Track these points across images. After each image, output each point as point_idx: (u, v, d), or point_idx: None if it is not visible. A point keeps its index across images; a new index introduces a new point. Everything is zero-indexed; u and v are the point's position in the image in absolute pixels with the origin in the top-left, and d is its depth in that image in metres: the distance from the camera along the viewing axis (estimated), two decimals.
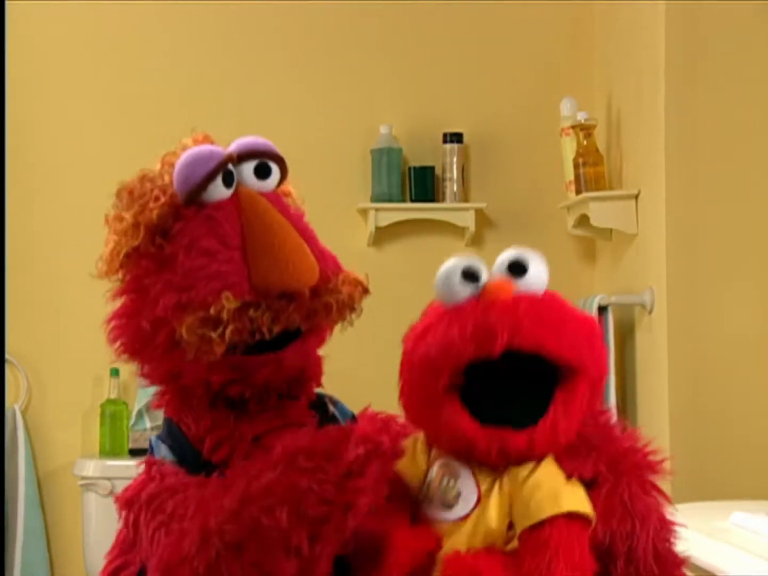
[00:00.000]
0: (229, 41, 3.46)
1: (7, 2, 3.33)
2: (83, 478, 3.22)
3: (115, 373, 3.32)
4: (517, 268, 1.27)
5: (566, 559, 1.18)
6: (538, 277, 1.27)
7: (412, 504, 1.27)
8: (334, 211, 3.35)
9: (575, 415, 1.24)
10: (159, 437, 1.37)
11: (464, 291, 1.26)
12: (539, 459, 1.25)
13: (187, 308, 1.25)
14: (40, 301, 3.39)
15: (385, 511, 1.23)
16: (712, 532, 2.00)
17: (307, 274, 1.27)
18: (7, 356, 3.35)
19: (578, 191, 3.14)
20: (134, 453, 3.24)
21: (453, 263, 1.28)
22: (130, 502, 1.30)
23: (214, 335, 1.24)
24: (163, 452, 1.35)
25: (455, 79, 3.49)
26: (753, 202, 2.80)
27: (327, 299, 1.29)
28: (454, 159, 3.42)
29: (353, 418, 1.42)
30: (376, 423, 1.24)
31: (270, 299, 1.26)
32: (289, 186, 1.39)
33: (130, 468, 1.38)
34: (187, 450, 1.33)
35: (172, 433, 1.36)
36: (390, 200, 3.41)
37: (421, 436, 1.31)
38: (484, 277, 1.27)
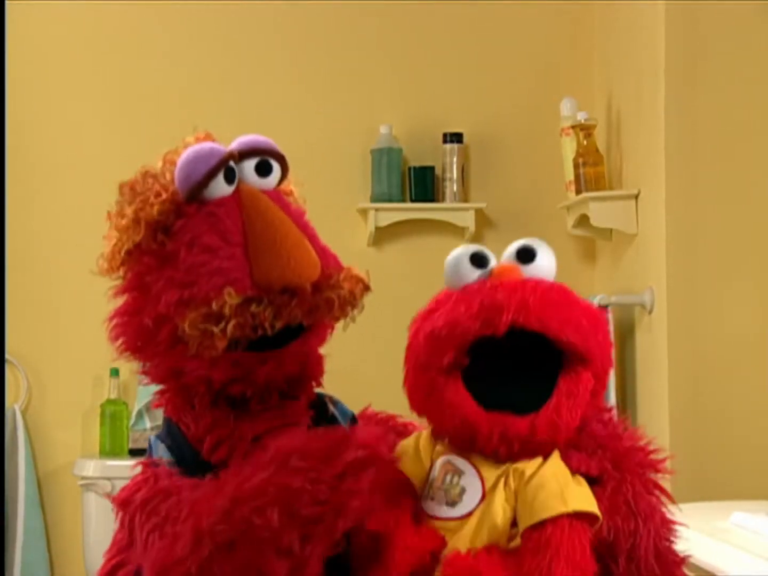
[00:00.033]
0: (229, 41, 3.46)
1: (7, 2, 3.33)
2: (83, 478, 3.22)
3: (115, 373, 3.32)
4: (526, 255, 1.29)
5: (567, 559, 1.18)
6: (545, 264, 1.29)
7: (416, 502, 1.27)
8: (334, 211, 3.35)
9: (579, 404, 1.24)
10: (158, 437, 1.37)
11: (473, 275, 1.28)
12: (545, 455, 1.25)
13: (190, 304, 1.26)
14: (40, 301, 3.39)
15: (387, 509, 1.23)
16: (713, 532, 2.00)
17: (308, 269, 1.27)
18: (7, 356, 3.35)
19: (578, 191, 3.14)
20: (134, 453, 3.24)
21: (462, 250, 1.31)
22: (125, 503, 1.30)
23: (216, 330, 1.24)
24: (161, 452, 1.35)
25: (455, 79, 3.49)
26: (753, 202, 2.80)
27: (329, 295, 1.29)
28: (454, 159, 3.42)
29: (353, 418, 1.42)
30: (375, 431, 1.24)
31: (272, 294, 1.26)
32: (290, 185, 1.40)
33: (130, 468, 1.38)
34: (186, 450, 1.33)
35: (171, 433, 1.36)
36: (390, 200, 3.41)
37: (423, 433, 1.32)
38: (493, 262, 1.29)
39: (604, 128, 3.23)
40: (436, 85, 3.48)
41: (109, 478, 3.15)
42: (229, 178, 1.31)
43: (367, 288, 1.34)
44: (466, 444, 1.25)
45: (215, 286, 1.25)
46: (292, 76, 3.47)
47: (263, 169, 1.34)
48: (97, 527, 3.16)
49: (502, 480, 1.24)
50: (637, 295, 2.99)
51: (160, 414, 1.44)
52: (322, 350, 1.39)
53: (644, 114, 2.98)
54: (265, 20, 3.45)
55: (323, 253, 1.32)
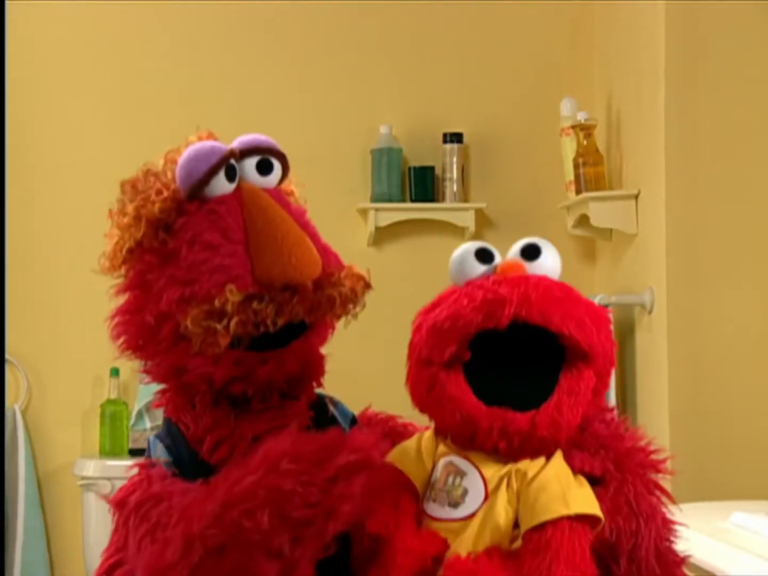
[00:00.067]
0: (229, 41, 3.46)
1: (7, 2, 3.33)
2: (83, 478, 3.22)
3: (115, 373, 3.32)
4: (531, 252, 1.29)
5: (567, 561, 1.18)
6: (550, 263, 1.29)
7: (418, 503, 1.27)
8: (334, 211, 3.35)
9: (580, 402, 1.24)
10: (157, 436, 1.38)
11: (477, 270, 1.29)
12: (548, 455, 1.25)
13: (191, 302, 1.26)
14: (40, 301, 3.39)
15: (389, 512, 1.23)
16: (713, 532, 2.00)
17: (309, 266, 1.28)
18: (7, 356, 3.35)
19: (578, 191, 3.14)
20: (134, 453, 3.24)
21: (467, 246, 1.32)
22: (120, 504, 1.31)
23: (219, 327, 1.24)
24: (159, 452, 1.35)
25: (455, 79, 3.49)
26: (753, 202, 2.80)
27: (330, 292, 1.29)
28: (454, 159, 3.42)
29: (353, 419, 1.42)
30: (369, 436, 1.24)
31: (273, 292, 1.26)
32: (291, 185, 1.40)
33: (126, 469, 1.38)
34: (184, 450, 1.33)
35: (170, 433, 1.36)
36: (390, 200, 3.41)
37: (425, 434, 1.31)
38: (497, 258, 1.29)
39: (604, 128, 3.23)
40: (436, 85, 3.48)
41: (109, 478, 3.15)
42: (230, 175, 1.31)
43: (368, 286, 1.34)
44: (467, 440, 1.25)
45: (217, 284, 1.26)
46: (292, 76, 3.47)
47: (264, 168, 1.34)
48: (97, 527, 3.16)
49: (505, 481, 1.23)
50: (637, 295, 2.99)
51: (160, 414, 1.44)
52: (322, 350, 1.39)
53: (644, 114, 2.98)
54: (265, 20, 3.45)
55: (324, 251, 1.33)
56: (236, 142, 1.35)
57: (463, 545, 1.21)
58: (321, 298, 1.29)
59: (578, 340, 1.24)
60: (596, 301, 2.97)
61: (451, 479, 1.26)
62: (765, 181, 2.79)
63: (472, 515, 1.23)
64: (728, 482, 2.71)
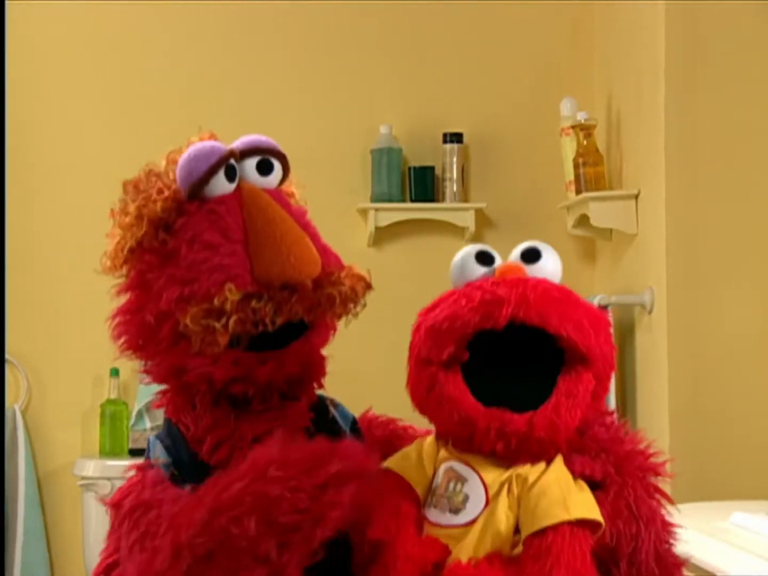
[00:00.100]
0: (229, 41, 3.46)
1: (7, 2, 3.33)
2: (83, 478, 3.22)
3: (115, 373, 3.32)
4: (531, 255, 1.29)
5: (567, 566, 1.18)
6: (550, 266, 1.30)
7: (419, 509, 1.27)
8: (334, 211, 3.35)
9: (578, 405, 1.24)
10: (157, 437, 1.38)
11: (477, 273, 1.30)
12: (548, 459, 1.25)
13: (191, 301, 1.26)
14: (40, 301, 3.39)
15: (390, 518, 1.23)
16: (713, 532, 2.00)
17: (309, 266, 1.28)
18: (7, 356, 3.35)
19: (578, 191, 3.14)
20: (134, 453, 3.24)
21: (468, 249, 1.33)
22: (116, 506, 1.32)
23: (217, 326, 1.24)
24: (158, 452, 1.35)
25: (455, 79, 3.49)
26: (753, 202, 2.80)
27: (330, 291, 1.29)
28: (454, 159, 3.42)
29: (354, 421, 1.42)
30: (360, 445, 1.24)
31: (272, 290, 1.26)
32: (291, 187, 1.40)
33: (125, 470, 1.39)
34: (184, 451, 1.33)
35: (170, 434, 1.36)
36: (390, 200, 3.41)
37: (426, 440, 1.31)
38: (498, 261, 1.30)
39: (604, 128, 3.23)
40: (436, 85, 3.48)
41: (109, 478, 3.15)
42: (230, 175, 1.32)
43: (368, 286, 1.34)
44: (466, 442, 1.25)
45: (216, 283, 1.26)
46: (292, 76, 3.47)
47: (264, 168, 1.35)
48: (97, 527, 3.16)
49: (506, 487, 1.23)
50: (637, 295, 2.99)
51: (160, 414, 1.44)
52: (324, 351, 1.39)
53: (644, 114, 2.98)
54: (265, 20, 3.45)
55: (324, 251, 1.33)
56: (237, 143, 1.35)
57: (464, 551, 1.21)
58: (320, 297, 1.29)
59: (576, 342, 1.24)
60: (596, 301, 2.99)
61: (452, 485, 1.25)
62: (765, 181, 2.79)
63: (473, 521, 1.23)
64: (728, 482, 2.71)
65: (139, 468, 1.35)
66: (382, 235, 3.44)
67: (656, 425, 2.85)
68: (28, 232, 3.38)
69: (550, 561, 1.18)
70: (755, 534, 1.96)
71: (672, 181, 2.82)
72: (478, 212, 3.43)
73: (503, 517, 1.22)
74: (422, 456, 1.29)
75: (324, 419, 1.38)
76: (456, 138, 3.41)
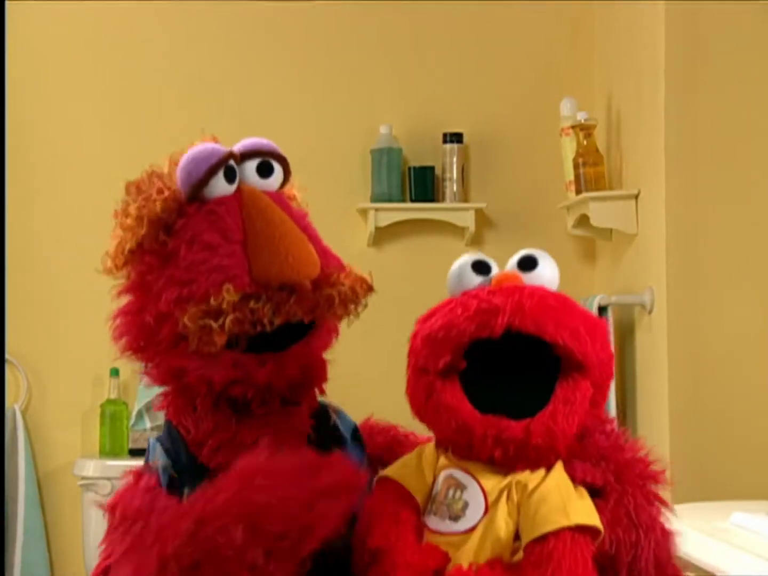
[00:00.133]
0: (229, 41, 3.46)
1: (7, 2, 3.33)
2: (83, 478, 3.22)
3: (115, 373, 3.32)
4: (527, 264, 1.29)
5: (569, 572, 1.18)
6: (547, 274, 1.30)
7: (418, 517, 1.27)
8: (334, 211, 3.35)
9: (575, 411, 1.24)
10: (158, 439, 1.38)
11: (474, 281, 1.30)
12: (548, 466, 1.25)
13: (189, 302, 1.26)
14: (40, 301, 3.39)
15: (389, 525, 1.23)
16: (713, 532, 2.00)
17: (307, 266, 1.28)
18: (7, 356, 3.35)
19: (578, 191, 3.14)
20: (134, 453, 3.24)
21: (465, 258, 1.33)
22: (111, 510, 1.32)
23: (214, 325, 1.24)
24: (158, 455, 1.35)
25: (455, 79, 3.49)
26: (753, 202, 2.80)
27: (329, 292, 1.29)
28: (454, 159, 3.42)
29: (356, 429, 1.42)
30: (349, 460, 1.24)
31: (271, 291, 1.26)
32: (293, 190, 1.40)
33: (122, 475, 1.39)
34: (184, 454, 1.34)
35: (171, 437, 1.36)
36: (390, 200, 3.41)
37: (426, 447, 1.31)
38: (495, 270, 1.30)
39: (604, 128, 3.23)
40: (436, 85, 3.48)
41: (109, 478, 3.15)
42: (230, 177, 1.32)
43: (370, 288, 1.34)
44: (464, 449, 1.26)
45: (214, 283, 1.26)
46: (292, 76, 3.47)
47: (264, 170, 1.35)
48: (97, 527, 3.15)
49: (505, 493, 1.23)
50: (637, 295, 2.99)
51: (160, 414, 1.44)
52: (326, 355, 1.39)
53: (644, 114, 2.98)
54: (265, 21, 3.45)
55: (325, 253, 1.33)
56: (237, 145, 1.36)
57: (464, 558, 1.21)
58: (319, 297, 1.29)
59: (572, 350, 1.23)
60: (596, 301, 2.99)
61: (451, 492, 1.26)
62: (765, 181, 2.79)
63: (473, 528, 1.23)
64: (728, 482, 2.71)
65: (135, 473, 1.35)
66: (382, 235, 3.44)
67: (656, 425, 2.85)
68: (28, 232, 3.38)
69: (552, 567, 1.18)
70: (755, 534, 1.96)
71: (672, 181, 2.82)
72: (478, 212, 3.43)
73: (503, 523, 1.22)
74: (422, 463, 1.29)
75: (325, 426, 1.38)
76: (456, 138, 3.41)
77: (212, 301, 1.25)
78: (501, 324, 1.22)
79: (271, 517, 1.17)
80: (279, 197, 1.35)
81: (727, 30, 2.80)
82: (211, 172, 1.30)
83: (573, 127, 3.14)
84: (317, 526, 1.18)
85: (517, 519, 1.22)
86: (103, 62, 3.43)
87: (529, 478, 1.24)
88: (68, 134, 3.40)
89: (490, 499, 1.23)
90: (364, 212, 3.43)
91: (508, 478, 1.24)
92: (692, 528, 1.95)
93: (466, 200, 3.46)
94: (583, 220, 3.20)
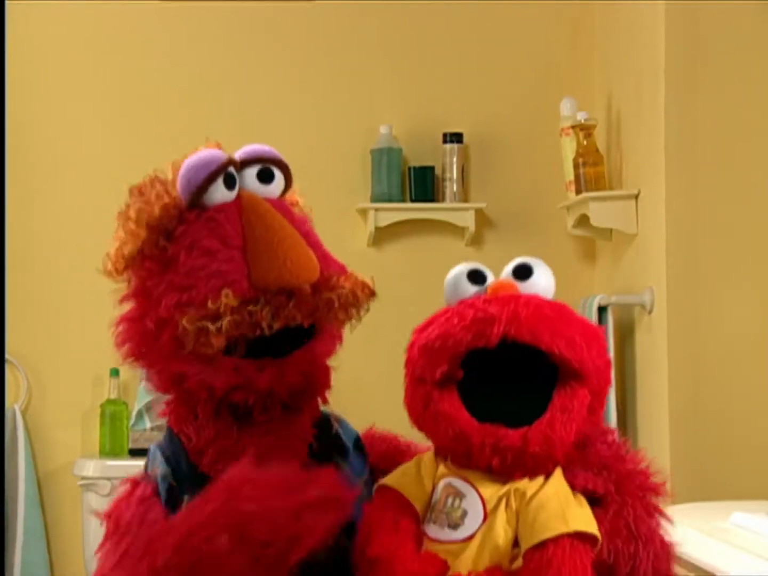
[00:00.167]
0: (229, 41, 3.46)
1: (7, 2, 3.33)
2: (83, 478, 3.22)
3: (115, 373, 3.32)
4: (522, 272, 1.29)
5: None
6: (542, 282, 1.30)
7: (418, 525, 1.27)
8: (334, 211, 3.35)
9: (573, 419, 1.24)
10: (159, 447, 1.38)
11: (470, 291, 1.30)
12: (546, 474, 1.25)
13: (189, 307, 1.27)
14: (40, 301, 3.39)
15: (389, 534, 1.23)
16: (712, 532, 2.00)
17: (306, 271, 1.28)
18: (7, 356, 3.35)
19: (578, 191, 3.14)
20: (134, 453, 3.24)
21: (460, 267, 1.33)
22: (106, 519, 1.34)
23: (212, 327, 1.24)
24: (158, 463, 1.36)
25: (455, 79, 3.49)
26: (753, 202, 2.79)
27: (328, 295, 1.29)
28: (454, 159, 3.42)
29: (358, 438, 1.42)
30: (337, 475, 1.24)
31: (269, 295, 1.26)
32: (295, 196, 1.40)
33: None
34: (184, 463, 1.34)
35: (172, 445, 1.37)
36: (390, 200, 3.41)
37: (425, 456, 1.32)
38: (490, 279, 1.30)
39: (604, 128, 3.23)
40: (436, 85, 3.48)
41: (109, 478, 3.15)
42: (229, 183, 1.32)
43: (372, 293, 1.34)
44: (463, 458, 1.26)
45: (213, 289, 1.27)
46: (292, 76, 3.47)
47: (265, 177, 1.35)
48: (97, 527, 3.14)
49: (503, 501, 1.24)
50: (637, 295, 2.99)
51: (159, 407, 1.44)
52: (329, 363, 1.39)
53: (644, 114, 2.98)
54: (265, 21, 3.45)
55: (325, 258, 1.33)
56: (238, 152, 1.36)
57: (463, 566, 1.21)
58: (318, 301, 1.29)
59: (568, 359, 1.24)
60: (596, 301, 2.99)
61: (450, 501, 1.26)
62: (765, 181, 2.79)
63: (472, 536, 1.23)
64: (728, 482, 2.71)
65: (132, 481, 1.36)
66: (382, 235, 3.44)
67: (656, 426, 2.85)
68: (28, 232, 3.38)
69: (551, 574, 1.18)
70: (755, 534, 1.96)
71: (672, 181, 2.82)
72: (478, 212, 3.43)
73: (501, 531, 1.22)
74: (421, 472, 1.30)
75: (327, 435, 1.38)
76: (456, 138, 3.41)
77: (210, 304, 1.25)
78: (497, 334, 1.22)
79: (258, 525, 1.17)
80: (280, 204, 1.35)
81: (727, 30, 2.80)
82: (210, 179, 1.31)
83: (573, 127, 3.14)
84: (304, 537, 1.18)
85: (516, 526, 1.22)
86: (103, 62, 3.43)
87: (528, 485, 1.24)
88: (68, 134, 3.40)
89: (489, 506, 1.24)
90: (364, 212, 3.43)
91: (507, 486, 1.24)
92: (692, 528, 1.95)
93: (466, 200, 3.46)
94: (583, 220, 3.20)
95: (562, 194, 3.28)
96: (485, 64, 3.48)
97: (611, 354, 2.93)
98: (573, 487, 1.26)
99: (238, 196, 1.33)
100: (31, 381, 3.39)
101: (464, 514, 1.24)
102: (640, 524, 1.27)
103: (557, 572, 1.18)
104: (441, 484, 1.27)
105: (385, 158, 3.39)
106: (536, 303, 1.25)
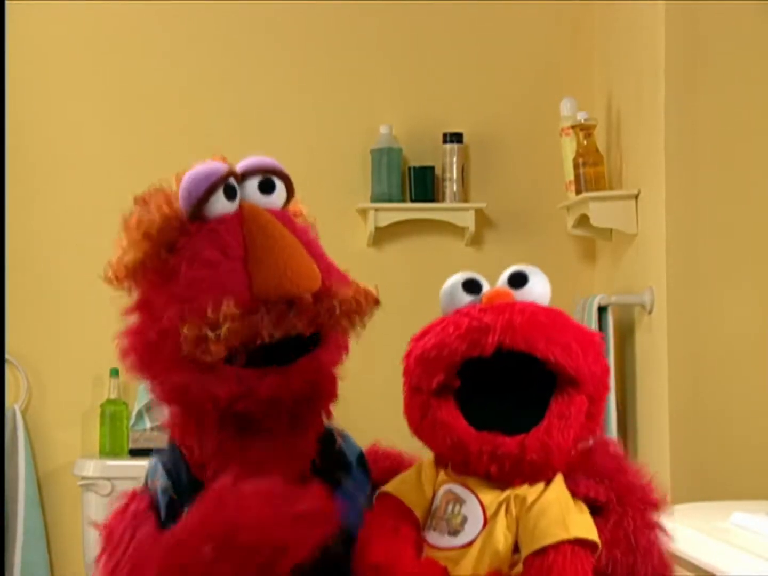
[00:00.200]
0: (229, 41, 3.46)
1: (7, 2, 3.33)
2: (83, 478, 3.22)
3: (115, 373, 3.32)
4: (518, 280, 1.29)
5: None
6: (538, 290, 1.30)
7: (418, 532, 1.27)
8: (334, 211, 3.35)
9: (571, 426, 1.24)
10: (160, 459, 1.38)
11: (465, 300, 1.30)
12: (547, 480, 1.25)
13: (190, 318, 1.26)
14: (40, 301, 3.39)
15: (389, 541, 1.23)
16: (712, 532, 2.00)
17: (307, 280, 1.28)
18: (7, 356, 3.35)
19: (578, 191, 3.14)
20: (134, 453, 3.23)
21: (456, 277, 1.32)
22: (103, 531, 1.34)
23: (211, 334, 1.25)
24: (159, 476, 1.36)
25: (455, 79, 3.49)
26: (753, 202, 2.80)
27: (329, 303, 1.29)
28: (454, 159, 3.42)
29: (361, 454, 1.42)
30: (324, 492, 1.24)
31: (270, 304, 1.26)
32: (298, 205, 1.40)
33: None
34: (184, 476, 1.34)
35: (173, 457, 1.37)
36: (390, 200, 3.41)
37: (425, 463, 1.32)
38: (486, 288, 1.30)
39: (604, 128, 3.23)
40: (436, 85, 3.48)
41: (109, 478, 3.15)
42: (230, 195, 1.32)
43: (376, 301, 1.34)
44: (461, 465, 1.26)
45: (215, 299, 1.27)
46: (292, 76, 3.46)
47: (266, 187, 1.35)
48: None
49: (504, 507, 1.24)
50: (637, 295, 2.99)
51: (160, 414, 1.44)
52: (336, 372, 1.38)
53: (644, 114, 2.98)
54: (265, 20, 3.45)
55: (328, 268, 1.33)
56: (240, 164, 1.36)
57: (463, 572, 1.22)
58: (320, 310, 1.29)
59: (564, 366, 1.23)
60: (596, 301, 2.99)
61: (450, 507, 1.26)
62: (765, 181, 2.79)
63: (471, 543, 1.23)
64: (728, 482, 2.71)
65: (129, 495, 1.36)
66: (382, 235, 3.44)
67: (656, 425, 2.85)
68: (28, 232, 3.38)
69: None
70: (755, 534, 1.96)
71: (672, 181, 2.82)
72: (478, 212, 3.43)
73: (501, 537, 1.22)
74: (421, 479, 1.30)
75: (330, 450, 1.38)
76: (456, 138, 3.41)
77: (210, 313, 1.25)
78: (492, 343, 1.22)
79: (244, 534, 1.17)
80: (282, 214, 1.35)
81: (727, 30, 2.80)
82: (211, 190, 1.31)
83: (573, 127, 3.14)
84: (291, 548, 1.18)
85: (516, 532, 1.23)
86: (103, 62, 3.43)
87: (528, 491, 1.24)
88: (68, 134, 3.40)
89: (489, 512, 1.24)
90: (364, 212, 3.43)
91: (507, 492, 1.24)
92: (692, 528, 1.95)
93: (466, 200, 3.46)
94: (583, 220, 3.20)
95: (562, 194, 3.28)
96: (485, 64, 3.48)
97: (611, 354, 2.97)
98: (575, 494, 1.26)
99: (240, 208, 1.33)
100: (31, 381, 3.39)
101: (464, 520, 1.24)
102: (639, 536, 1.27)
103: None
104: (441, 490, 1.28)
105: (385, 158, 3.39)
106: (531, 311, 1.25)
